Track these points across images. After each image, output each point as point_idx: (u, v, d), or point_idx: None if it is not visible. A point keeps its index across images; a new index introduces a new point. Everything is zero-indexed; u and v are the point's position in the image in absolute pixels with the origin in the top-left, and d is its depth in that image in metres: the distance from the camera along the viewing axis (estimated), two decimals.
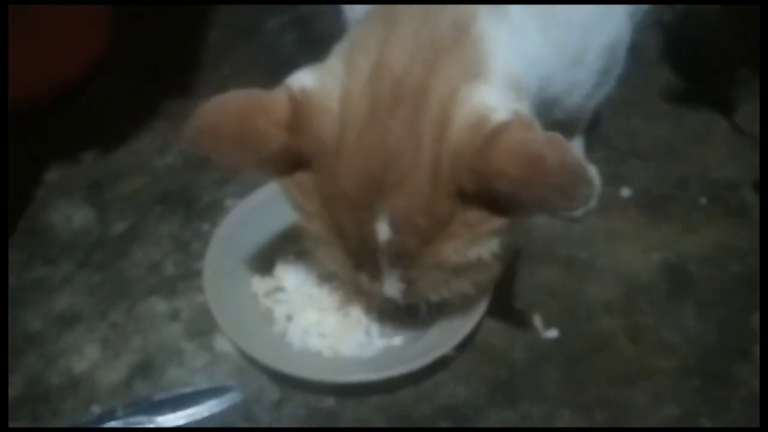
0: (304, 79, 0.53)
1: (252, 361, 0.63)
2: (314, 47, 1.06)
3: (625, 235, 0.76)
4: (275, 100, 0.52)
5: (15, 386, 0.65)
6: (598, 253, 0.74)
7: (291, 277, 0.69)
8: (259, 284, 0.69)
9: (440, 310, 0.61)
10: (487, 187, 0.49)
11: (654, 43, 1.01)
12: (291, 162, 0.53)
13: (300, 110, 0.51)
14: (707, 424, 0.61)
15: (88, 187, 0.83)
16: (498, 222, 0.51)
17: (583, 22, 0.62)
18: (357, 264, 0.55)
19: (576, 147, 0.79)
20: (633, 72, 0.97)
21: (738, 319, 0.68)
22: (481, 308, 0.63)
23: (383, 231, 0.52)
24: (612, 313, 0.68)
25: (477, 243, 0.52)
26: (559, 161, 0.47)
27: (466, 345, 0.64)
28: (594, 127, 0.85)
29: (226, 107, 0.52)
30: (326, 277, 0.66)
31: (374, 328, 0.65)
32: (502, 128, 0.49)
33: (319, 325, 0.65)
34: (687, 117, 0.91)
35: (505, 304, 0.68)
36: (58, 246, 0.77)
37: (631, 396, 0.62)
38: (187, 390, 0.63)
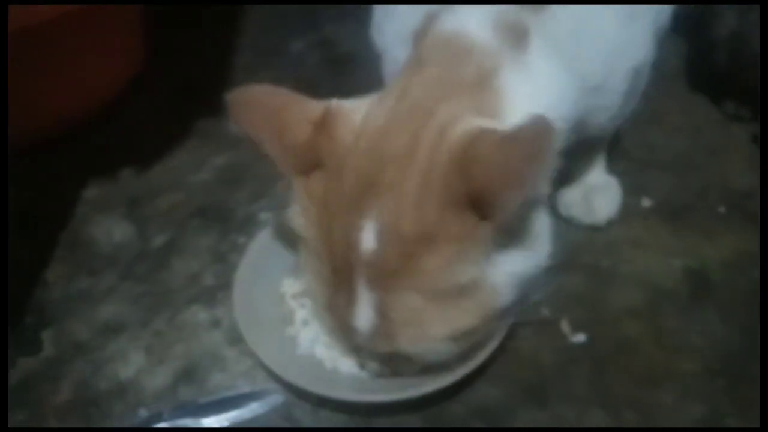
0: (343, 101, 0.58)
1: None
2: (337, 67, 1.11)
3: (646, 243, 0.78)
4: (314, 103, 0.57)
5: (64, 392, 0.68)
6: (621, 260, 0.76)
7: None
8: (290, 286, 0.71)
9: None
10: (470, 178, 0.50)
11: (672, 56, 1.03)
12: (309, 161, 0.56)
13: (329, 116, 0.56)
14: (733, 424, 0.62)
15: (127, 204, 0.87)
16: (483, 229, 0.51)
17: (608, 50, 0.64)
18: (337, 285, 0.56)
19: (600, 161, 0.82)
20: (652, 85, 1.00)
21: (759, 321, 0.70)
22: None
23: (368, 238, 0.53)
24: (637, 318, 0.71)
25: (461, 258, 0.52)
26: (529, 124, 0.50)
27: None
28: (615, 141, 0.88)
29: (272, 92, 0.57)
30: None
31: None
32: (488, 130, 0.52)
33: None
34: (705, 129, 0.93)
35: (533, 310, 0.70)
36: (101, 259, 0.80)
37: (658, 396, 0.64)
38: (230, 394, 0.66)
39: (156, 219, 0.84)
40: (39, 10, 0.77)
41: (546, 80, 0.59)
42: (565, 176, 0.80)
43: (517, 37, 0.58)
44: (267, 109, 0.57)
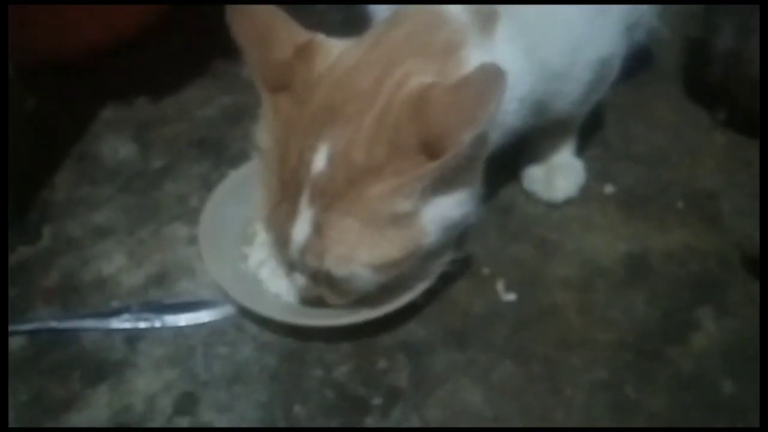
0: (326, 37, 0.65)
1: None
2: (355, 27, 1.16)
3: (597, 225, 0.83)
4: (302, 30, 0.64)
5: (53, 278, 0.78)
6: (568, 236, 0.82)
7: None
8: None
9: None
10: (423, 120, 0.56)
11: (672, 59, 1.05)
12: (281, 80, 0.63)
13: (311, 45, 0.63)
14: (631, 393, 0.68)
15: (136, 127, 0.95)
16: (427, 168, 0.57)
17: (573, 40, 0.68)
18: (282, 197, 0.61)
19: (568, 143, 0.87)
20: (646, 81, 1.03)
21: (683, 310, 0.75)
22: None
23: (320, 160, 0.59)
24: (568, 288, 0.76)
25: (401, 192, 0.57)
26: (480, 69, 0.56)
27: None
28: (595, 128, 0.92)
29: (270, 11, 0.64)
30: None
31: None
32: (442, 82, 0.58)
33: None
34: (688, 131, 0.96)
35: (474, 267, 0.77)
36: (105, 172, 0.90)
37: (567, 358, 0.70)
38: (191, 299, 0.75)
39: (159, 144, 0.93)
40: None
41: (507, 63, 0.64)
42: (533, 154, 0.86)
43: (487, 21, 0.64)
44: (260, 22, 0.63)
